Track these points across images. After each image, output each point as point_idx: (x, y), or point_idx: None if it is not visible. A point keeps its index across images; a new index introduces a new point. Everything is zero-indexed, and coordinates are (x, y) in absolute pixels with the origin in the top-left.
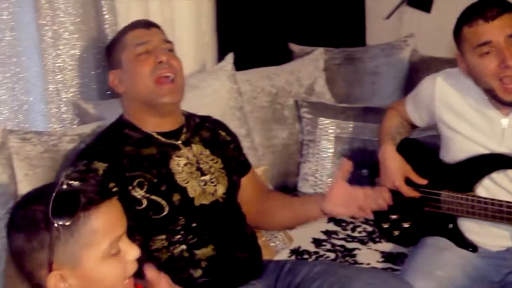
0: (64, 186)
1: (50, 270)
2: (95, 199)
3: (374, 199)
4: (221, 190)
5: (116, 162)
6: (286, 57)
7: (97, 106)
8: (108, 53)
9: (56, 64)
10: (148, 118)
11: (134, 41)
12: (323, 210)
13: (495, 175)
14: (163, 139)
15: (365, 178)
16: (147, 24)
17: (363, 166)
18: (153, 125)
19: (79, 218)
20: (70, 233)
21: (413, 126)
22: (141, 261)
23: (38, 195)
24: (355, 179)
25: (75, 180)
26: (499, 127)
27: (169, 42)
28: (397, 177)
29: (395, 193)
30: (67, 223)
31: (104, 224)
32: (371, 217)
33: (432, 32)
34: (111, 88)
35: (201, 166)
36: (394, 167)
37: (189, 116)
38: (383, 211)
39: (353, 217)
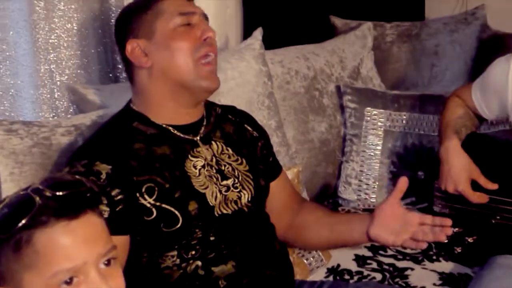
0: (25, 192)
1: None
2: (57, 210)
3: (433, 229)
4: (246, 197)
5: (123, 163)
6: (326, 33)
7: (98, 92)
8: (128, 18)
9: (50, 41)
10: (169, 106)
11: (176, 9)
12: (369, 234)
13: None
14: (180, 134)
15: (422, 182)
16: None
17: (419, 167)
18: (170, 116)
19: (22, 233)
20: (10, 248)
21: (480, 119)
22: None
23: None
24: (410, 182)
25: (54, 186)
26: None
27: (207, 18)
28: (461, 179)
29: (458, 200)
30: (2, 236)
31: (60, 245)
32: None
33: (506, 3)
34: (112, 68)
35: (222, 168)
36: (458, 167)
37: (209, 105)
38: None
39: (402, 247)
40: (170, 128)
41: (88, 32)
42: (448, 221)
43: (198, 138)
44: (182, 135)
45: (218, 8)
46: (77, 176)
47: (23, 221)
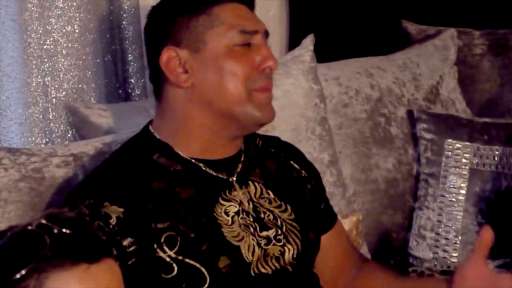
0: (30, 228)
1: None
2: (69, 255)
3: None
4: (291, 252)
5: (138, 206)
6: (396, 42)
7: (104, 112)
8: (170, 17)
9: (44, 47)
10: (204, 137)
11: (236, 22)
12: None
13: None
14: (212, 172)
15: None
16: (251, 1)
17: None
18: (202, 149)
19: (30, 278)
20: None
21: None
22: None
23: None
24: (502, 238)
25: (60, 222)
26: None
27: (268, 35)
28: None
29: None
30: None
31: None
32: None
33: None
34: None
35: (262, 215)
36: None
37: (248, 136)
38: None
39: None
40: (201, 164)
41: (92, 36)
42: None
43: (235, 178)
44: (214, 173)
45: (259, 9)
46: (84, 211)
47: (31, 265)
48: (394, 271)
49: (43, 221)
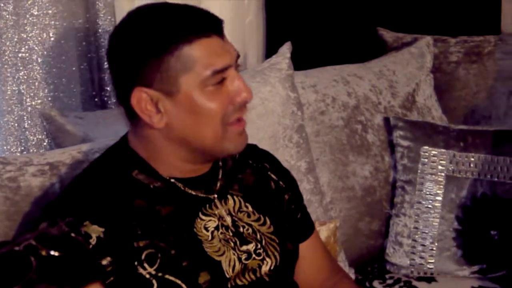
0: (17, 248)
1: None
2: (55, 279)
3: None
4: (268, 265)
5: (120, 226)
6: (373, 49)
7: (80, 120)
8: (139, 58)
9: (19, 55)
10: (177, 164)
11: (209, 62)
12: None
13: None
14: (191, 191)
15: (495, 244)
16: (219, 25)
17: (492, 225)
18: (177, 171)
19: None
20: None
21: None
22: None
23: None
24: (478, 244)
25: (49, 243)
26: None
27: (239, 56)
28: None
29: None
30: None
31: None
32: None
33: None
34: (99, 95)
35: (241, 230)
36: None
37: None
38: None
39: None
40: (180, 184)
41: (68, 44)
42: None
43: (215, 195)
44: (193, 192)
45: (235, 16)
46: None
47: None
48: None
49: (33, 242)
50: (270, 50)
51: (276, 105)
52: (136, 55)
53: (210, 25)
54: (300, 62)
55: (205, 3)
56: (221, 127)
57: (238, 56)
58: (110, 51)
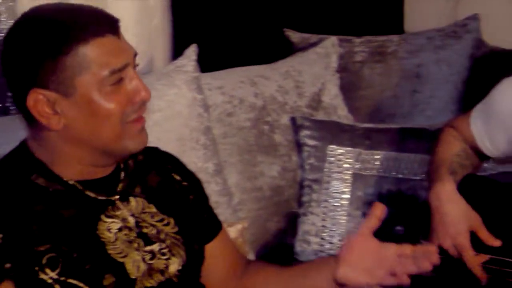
0: None
1: None
2: None
3: (414, 259)
4: (175, 265)
5: (19, 231)
6: (279, 50)
7: None
8: (35, 59)
9: None
10: (78, 166)
11: (105, 61)
12: (337, 277)
13: None
14: (92, 194)
15: (401, 239)
16: (114, 24)
17: (397, 221)
18: (78, 173)
19: None
20: None
21: (482, 157)
22: None
23: None
24: (384, 240)
25: None
26: None
27: (136, 55)
28: (460, 230)
29: (453, 259)
30: None
31: None
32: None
33: (505, 11)
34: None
35: (145, 230)
36: (455, 216)
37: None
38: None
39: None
40: (80, 187)
41: None
42: (433, 248)
43: (117, 197)
44: (94, 195)
45: (140, 18)
46: None
47: None
48: (278, 265)
49: None
50: (177, 52)
51: (182, 107)
52: (31, 57)
53: (105, 25)
54: (207, 64)
55: (111, 5)
56: (120, 127)
57: (136, 54)
58: (4, 53)
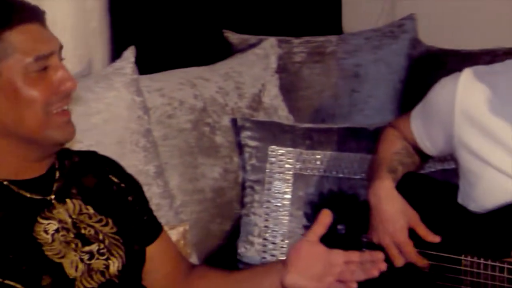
0: None
1: None
2: None
3: (362, 265)
4: (115, 265)
5: None
6: (219, 52)
7: None
8: None
9: None
10: (8, 161)
11: (30, 47)
12: (285, 284)
13: None
14: (26, 194)
15: (343, 238)
16: (40, 14)
17: (339, 220)
18: (10, 171)
19: None
20: None
21: (423, 156)
22: None
23: None
24: (326, 239)
25: None
26: None
27: (61, 46)
28: (399, 228)
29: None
30: None
31: None
32: None
33: (441, 11)
34: None
35: (83, 231)
36: (393, 213)
37: (63, 153)
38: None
39: None
40: (13, 186)
41: None
42: (380, 255)
43: (53, 197)
44: (29, 195)
45: (78, 21)
46: None
47: None
48: (224, 270)
49: None
50: (116, 55)
51: (121, 110)
52: None
53: (31, 12)
54: (146, 66)
55: (47, 8)
56: (44, 116)
57: (61, 47)
58: None
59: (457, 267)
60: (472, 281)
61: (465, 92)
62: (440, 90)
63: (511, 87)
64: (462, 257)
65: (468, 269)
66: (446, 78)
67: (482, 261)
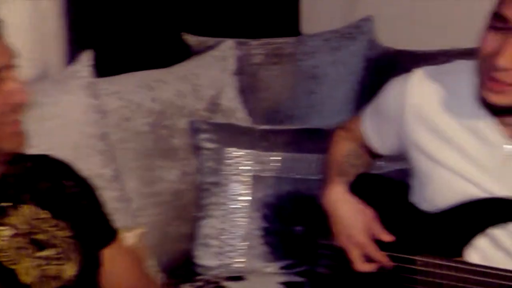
0: None
1: None
2: None
3: None
4: (70, 270)
5: None
6: (177, 54)
7: None
8: None
9: None
10: None
11: None
12: None
13: (496, 232)
14: None
15: (301, 239)
16: None
17: (297, 221)
18: None
19: None
20: None
21: (375, 156)
22: None
23: None
24: (284, 240)
25: None
26: (501, 156)
27: (15, 56)
28: (358, 230)
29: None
30: None
31: None
32: None
33: (397, 13)
34: None
35: (37, 236)
36: (351, 217)
37: (15, 159)
38: None
39: None
40: None
41: None
42: None
43: (7, 204)
44: None
45: (33, 23)
46: None
47: None
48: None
49: None
50: (72, 57)
51: (78, 114)
52: None
53: None
54: (104, 69)
55: (1, 10)
56: None
57: (16, 56)
58: None
59: (412, 266)
60: (427, 280)
61: (415, 91)
62: (391, 90)
63: (459, 86)
64: (417, 257)
65: (423, 268)
66: (397, 78)
67: (437, 260)
